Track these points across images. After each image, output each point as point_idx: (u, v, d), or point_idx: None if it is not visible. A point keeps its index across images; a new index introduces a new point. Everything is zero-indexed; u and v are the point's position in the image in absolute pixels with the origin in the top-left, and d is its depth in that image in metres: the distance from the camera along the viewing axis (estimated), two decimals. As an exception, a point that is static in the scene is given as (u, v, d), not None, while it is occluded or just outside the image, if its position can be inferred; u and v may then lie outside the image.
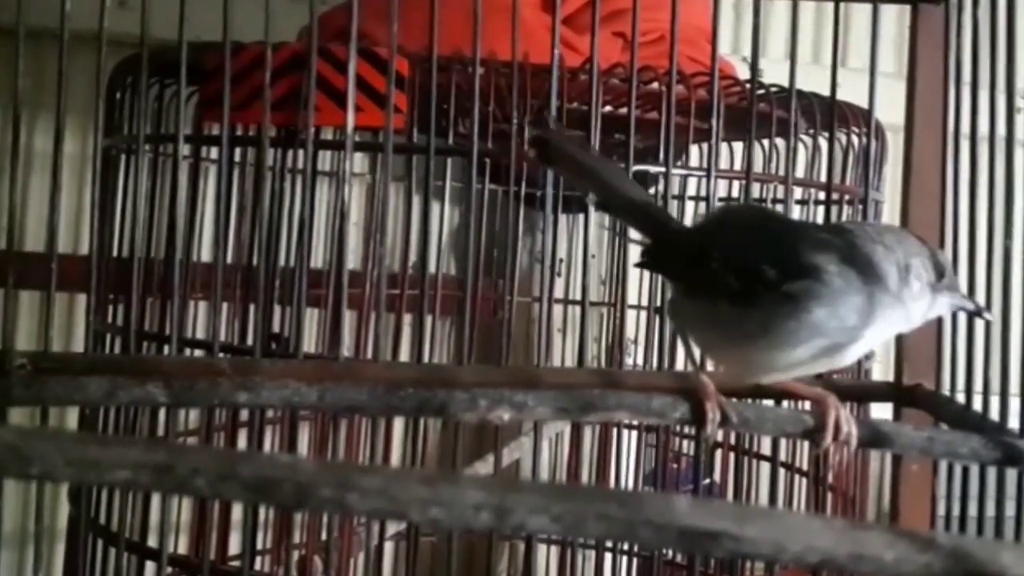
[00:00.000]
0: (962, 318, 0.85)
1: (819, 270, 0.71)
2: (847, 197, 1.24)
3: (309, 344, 1.36)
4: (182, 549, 1.32)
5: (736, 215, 0.86)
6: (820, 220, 1.23)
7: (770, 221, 0.84)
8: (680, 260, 0.80)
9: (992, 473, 0.80)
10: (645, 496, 0.48)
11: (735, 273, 0.73)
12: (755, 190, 1.16)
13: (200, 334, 1.25)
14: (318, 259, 1.46)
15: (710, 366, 0.85)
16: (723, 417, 0.76)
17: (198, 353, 1.07)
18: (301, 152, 0.98)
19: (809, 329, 0.71)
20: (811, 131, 1.22)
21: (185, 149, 1.02)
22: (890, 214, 1.23)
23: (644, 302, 1.40)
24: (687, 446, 1.63)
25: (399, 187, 1.66)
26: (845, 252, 0.72)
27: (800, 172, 1.24)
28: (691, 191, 1.21)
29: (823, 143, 1.17)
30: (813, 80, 1.14)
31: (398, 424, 1.14)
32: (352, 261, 1.46)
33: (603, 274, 1.82)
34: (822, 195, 1.19)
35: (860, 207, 1.23)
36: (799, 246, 0.73)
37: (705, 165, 1.03)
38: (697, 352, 0.82)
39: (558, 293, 1.64)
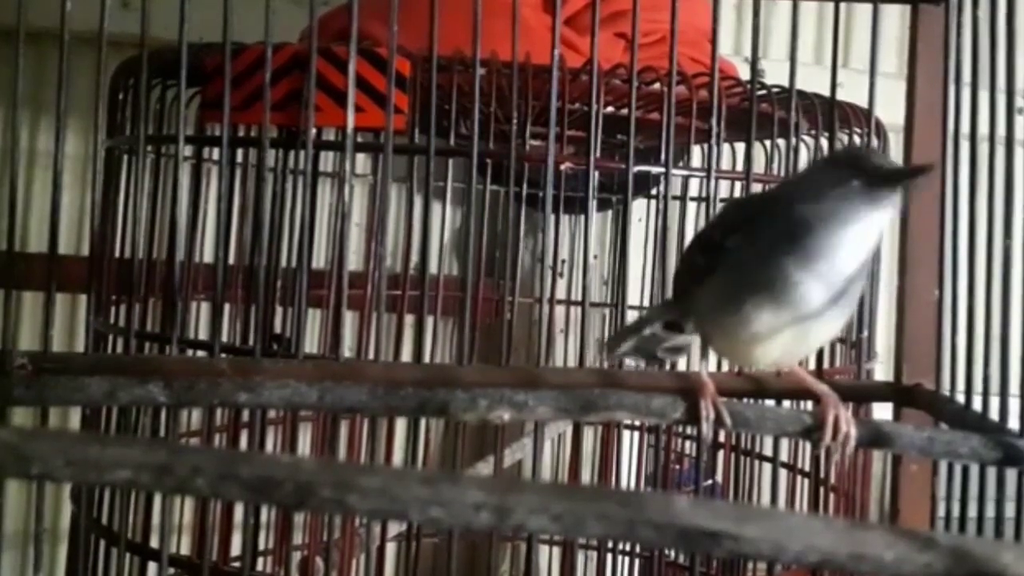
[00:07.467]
0: (962, 319, 0.85)
1: (751, 220, 0.73)
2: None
3: (311, 345, 1.35)
4: (184, 550, 1.32)
5: (724, 211, 0.87)
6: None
7: (742, 200, 0.89)
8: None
9: (992, 473, 0.79)
10: (645, 496, 0.48)
11: (701, 251, 0.76)
12: (756, 191, 1.16)
13: (202, 335, 1.25)
14: (319, 260, 1.47)
15: (711, 366, 0.84)
16: (719, 417, 0.76)
17: (200, 354, 1.07)
18: (303, 153, 0.98)
19: (749, 277, 0.71)
20: (812, 131, 1.22)
21: (187, 150, 1.03)
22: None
23: (645, 303, 1.39)
24: (688, 447, 1.63)
25: (400, 188, 1.66)
26: (779, 200, 0.74)
27: (801, 172, 1.24)
28: (692, 192, 1.21)
29: (824, 143, 1.17)
30: (814, 80, 1.14)
31: (399, 424, 1.14)
32: (353, 262, 1.46)
33: (605, 275, 1.82)
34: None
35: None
36: (740, 209, 0.78)
37: (706, 166, 1.03)
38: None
39: (560, 294, 1.64)
